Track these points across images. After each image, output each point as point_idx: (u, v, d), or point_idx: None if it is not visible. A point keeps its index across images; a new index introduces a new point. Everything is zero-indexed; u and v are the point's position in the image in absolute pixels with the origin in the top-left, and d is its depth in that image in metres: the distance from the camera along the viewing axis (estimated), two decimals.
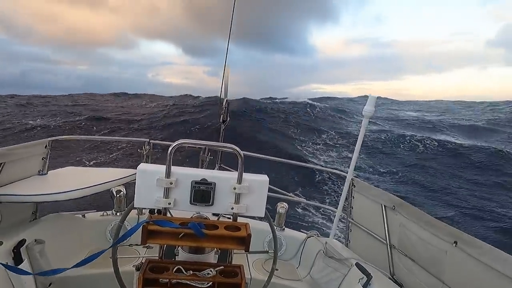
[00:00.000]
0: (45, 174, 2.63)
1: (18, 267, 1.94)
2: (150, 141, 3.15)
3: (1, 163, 2.14)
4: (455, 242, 1.82)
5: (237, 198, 1.49)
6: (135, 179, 2.87)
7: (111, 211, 3.03)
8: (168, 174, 1.44)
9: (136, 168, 2.56)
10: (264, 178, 1.54)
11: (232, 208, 1.49)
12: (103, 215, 3.02)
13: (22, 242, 2.05)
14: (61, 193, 2.15)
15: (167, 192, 1.45)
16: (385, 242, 2.39)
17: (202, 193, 1.46)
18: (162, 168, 1.45)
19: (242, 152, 1.51)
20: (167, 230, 1.36)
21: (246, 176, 1.50)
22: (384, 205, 2.42)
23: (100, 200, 3.24)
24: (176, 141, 1.46)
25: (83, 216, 2.97)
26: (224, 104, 3.07)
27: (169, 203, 1.46)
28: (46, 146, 2.65)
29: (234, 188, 1.47)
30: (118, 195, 2.99)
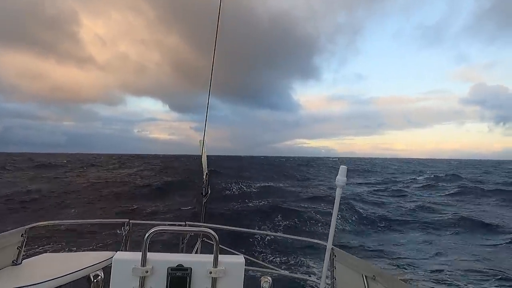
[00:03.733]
0: (19, 264, 2.55)
1: None
2: (130, 221, 3.15)
3: None
4: None
5: (214, 282, 1.48)
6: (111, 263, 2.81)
7: None
8: (144, 262, 1.43)
9: (110, 252, 2.54)
10: (240, 259, 1.56)
11: None
12: None
13: None
14: (35, 284, 2.07)
15: (142, 281, 1.43)
16: None
17: (178, 280, 1.45)
18: (138, 255, 1.45)
19: (216, 236, 1.51)
20: None
21: (222, 258, 1.51)
22: (365, 275, 2.43)
23: (79, 286, 3.09)
24: (152, 228, 1.47)
25: None
26: (204, 177, 3.17)
27: None
28: (22, 234, 2.60)
29: (210, 273, 1.47)
30: (95, 280, 2.87)
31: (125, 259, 1.47)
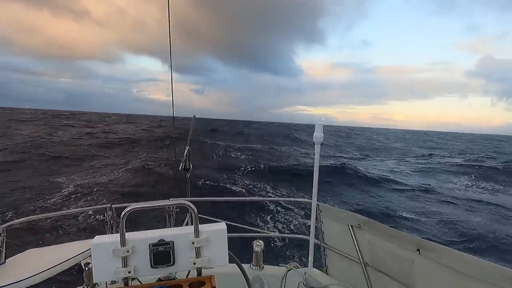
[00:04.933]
0: (2, 263, 2.47)
1: None
2: (112, 206, 3.08)
3: None
4: (418, 250, 1.94)
5: (198, 251, 1.49)
6: None
7: (82, 286, 2.87)
8: (123, 242, 1.42)
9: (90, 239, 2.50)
10: (222, 226, 1.57)
11: (195, 263, 1.49)
12: None
13: None
14: (22, 280, 2.01)
15: (125, 261, 1.43)
16: (359, 261, 2.47)
17: (161, 255, 1.45)
18: (117, 237, 1.43)
19: (194, 207, 1.52)
20: None
21: (203, 228, 1.52)
22: (351, 225, 2.52)
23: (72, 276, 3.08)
24: (127, 207, 1.46)
25: None
26: (185, 153, 3.12)
27: (129, 272, 1.43)
28: (0, 233, 2.52)
29: (193, 243, 1.48)
30: (86, 268, 2.85)
31: (104, 242, 1.44)
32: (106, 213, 2.96)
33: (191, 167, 3.12)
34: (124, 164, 20.24)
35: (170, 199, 2.70)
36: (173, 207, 3.14)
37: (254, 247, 3.14)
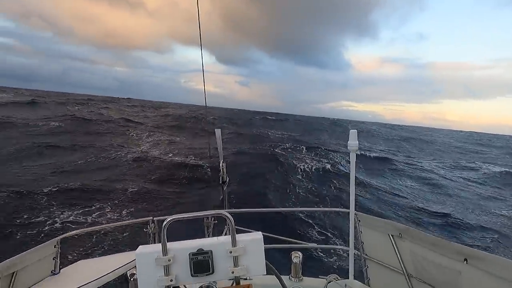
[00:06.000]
0: (57, 273, 2.66)
1: None
2: (154, 218, 3.21)
3: (13, 272, 2.18)
4: (465, 260, 1.83)
5: (235, 261, 1.53)
6: None
7: None
8: (165, 251, 1.48)
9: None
10: (258, 236, 1.59)
11: (233, 272, 1.52)
12: None
13: None
14: None
15: (167, 270, 1.49)
16: (402, 272, 2.37)
17: (201, 263, 1.50)
18: (159, 247, 1.50)
19: (231, 217, 1.56)
20: None
21: (240, 237, 1.55)
22: (391, 234, 2.44)
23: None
24: (168, 218, 1.52)
25: None
26: (221, 166, 3.20)
27: (171, 280, 1.49)
28: (55, 245, 2.71)
29: (231, 252, 1.52)
30: (132, 279, 2.98)
31: (147, 252, 1.52)
32: (149, 225, 3.08)
33: (227, 180, 3.20)
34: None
35: (208, 210, 2.78)
36: (211, 218, 3.21)
37: (292, 258, 3.12)
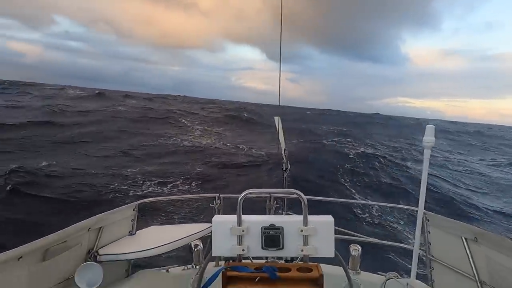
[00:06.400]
0: (134, 234, 2.98)
1: None
2: (220, 195, 3.39)
3: (101, 227, 2.49)
4: None
5: (305, 240, 1.56)
6: (209, 233, 3.12)
7: (191, 265, 3.25)
8: (239, 222, 1.57)
9: (209, 222, 2.86)
10: (329, 218, 1.61)
11: (302, 250, 1.56)
12: (184, 269, 3.22)
13: None
14: (150, 249, 2.44)
15: (240, 240, 1.58)
16: (473, 278, 2.21)
17: (272, 238, 1.56)
18: (233, 217, 1.59)
19: (305, 197, 1.61)
20: (244, 275, 1.46)
21: (311, 218, 1.58)
22: (465, 238, 2.27)
23: (181, 253, 3.53)
24: (244, 192, 1.61)
25: (167, 271, 3.21)
26: (283, 153, 3.25)
27: (243, 250, 1.57)
28: (134, 209, 3.02)
29: (301, 231, 1.55)
30: (195, 249, 3.21)
31: (223, 221, 1.62)
32: (215, 201, 3.25)
33: (289, 167, 3.24)
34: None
35: (282, 189, 2.86)
36: (274, 202, 3.30)
37: (351, 251, 3.06)
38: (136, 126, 27.45)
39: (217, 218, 1.65)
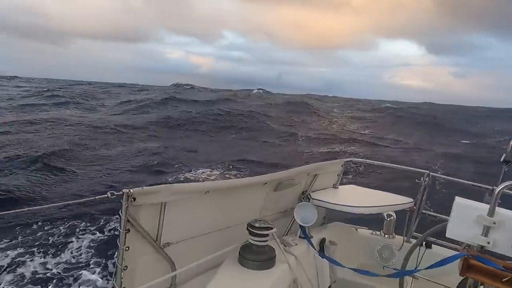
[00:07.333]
0: (337, 188, 3.25)
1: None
2: (430, 173, 3.14)
3: (316, 175, 2.78)
4: None
5: None
6: (408, 208, 3.06)
7: (380, 232, 3.26)
8: (491, 213, 1.42)
9: (408, 197, 2.94)
10: None
11: None
12: (372, 233, 3.30)
13: (323, 240, 2.57)
14: (348, 206, 2.65)
15: (487, 231, 1.43)
16: None
17: None
18: (482, 205, 1.46)
19: None
20: (489, 270, 1.33)
21: None
22: None
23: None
24: (505, 183, 1.42)
25: (356, 229, 3.38)
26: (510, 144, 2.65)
27: (488, 242, 1.43)
28: (342, 165, 3.20)
29: None
30: (388, 219, 3.19)
31: (469, 205, 1.51)
32: (423, 178, 3.04)
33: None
34: None
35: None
36: None
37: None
38: None
39: (460, 200, 1.54)
